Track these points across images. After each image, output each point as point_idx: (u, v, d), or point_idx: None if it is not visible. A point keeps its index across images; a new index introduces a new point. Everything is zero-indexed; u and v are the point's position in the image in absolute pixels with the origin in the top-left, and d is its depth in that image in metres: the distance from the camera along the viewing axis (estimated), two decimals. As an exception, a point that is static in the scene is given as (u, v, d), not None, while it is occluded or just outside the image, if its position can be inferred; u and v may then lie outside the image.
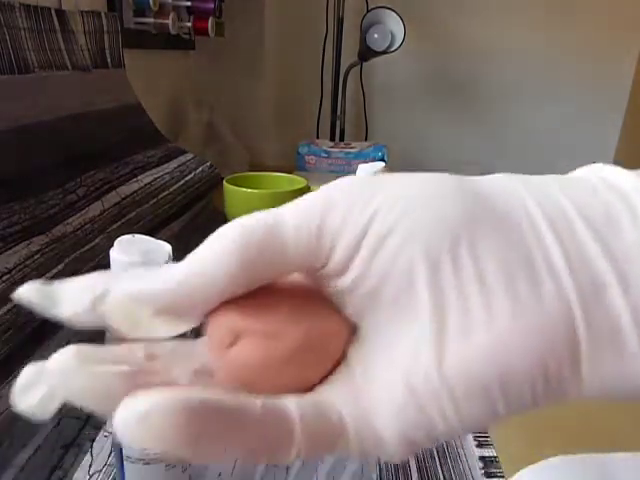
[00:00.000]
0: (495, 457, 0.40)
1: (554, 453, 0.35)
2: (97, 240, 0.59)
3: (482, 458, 0.40)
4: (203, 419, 0.14)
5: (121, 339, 0.16)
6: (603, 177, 0.18)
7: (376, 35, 1.28)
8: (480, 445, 0.41)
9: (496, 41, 1.49)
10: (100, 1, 0.87)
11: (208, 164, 0.97)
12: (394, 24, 1.27)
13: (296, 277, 0.17)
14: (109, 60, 0.84)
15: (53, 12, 0.69)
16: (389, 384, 0.15)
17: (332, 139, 1.45)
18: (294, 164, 1.31)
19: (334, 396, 0.16)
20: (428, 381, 0.14)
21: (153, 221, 0.73)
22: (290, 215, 0.16)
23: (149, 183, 0.77)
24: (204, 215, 0.90)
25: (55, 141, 0.64)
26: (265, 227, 0.16)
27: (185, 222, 0.83)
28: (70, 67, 0.72)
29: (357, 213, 0.15)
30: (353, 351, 0.16)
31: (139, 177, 0.76)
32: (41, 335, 0.47)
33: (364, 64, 1.46)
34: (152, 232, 0.71)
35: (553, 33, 1.48)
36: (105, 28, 0.82)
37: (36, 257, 0.49)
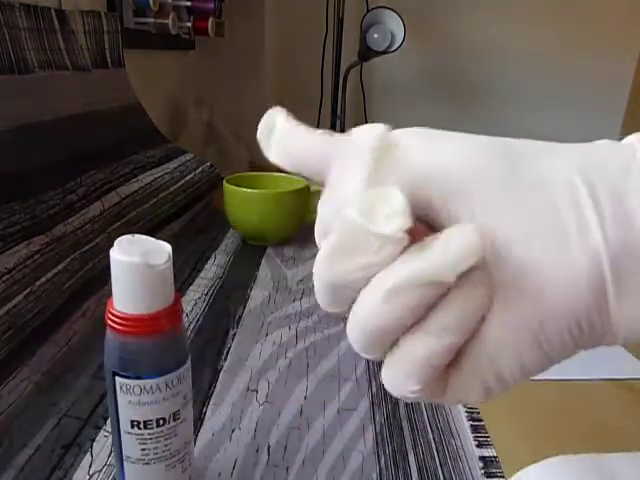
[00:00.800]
0: (495, 457, 0.40)
1: (554, 453, 0.35)
2: (97, 240, 0.59)
3: (482, 458, 0.40)
4: None
5: None
6: None
7: (376, 35, 1.28)
8: (480, 445, 0.41)
9: (496, 41, 1.49)
10: (100, 1, 0.87)
11: (208, 164, 0.97)
12: (394, 24, 1.27)
13: None
14: (109, 60, 0.84)
15: (53, 12, 0.69)
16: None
17: (332, 139, 1.44)
18: (294, 164, 1.31)
19: None
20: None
21: (153, 221, 0.73)
22: None
23: (149, 183, 0.77)
24: (204, 215, 0.90)
25: (55, 141, 0.64)
26: None
27: (185, 222, 0.83)
28: (70, 67, 0.72)
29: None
30: None
31: (139, 177, 0.76)
32: (41, 335, 0.47)
33: (364, 64, 1.46)
34: (152, 232, 0.71)
35: (553, 33, 1.48)
36: (105, 28, 0.82)
37: (36, 257, 0.49)
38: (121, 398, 0.29)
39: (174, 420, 0.30)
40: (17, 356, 0.44)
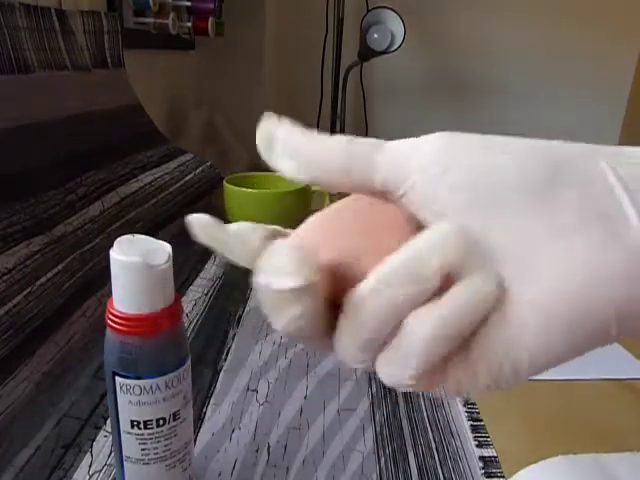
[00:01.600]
0: (495, 457, 0.40)
1: (554, 453, 0.35)
2: (97, 240, 0.59)
3: (482, 458, 0.40)
4: None
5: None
6: None
7: (376, 35, 1.28)
8: (480, 445, 0.41)
9: (496, 41, 1.50)
10: (100, 1, 0.87)
11: (208, 164, 0.97)
12: (394, 24, 1.27)
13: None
14: (109, 60, 0.84)
15: (53, 12, 0.69)
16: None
17: (332, 139, 1.44)
18: (294, 164, 1.31)
19: None
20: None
21: (153, 221, 0.73)
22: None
23: (149, 183, 0.77)
24: (204, 215, 0.90)
25: (55, 141, 0.64)
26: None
27: (185, 222, 0.83)
28: (70, 67, 0.72)
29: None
30: None
31: (139, 177, 0.76)
32: (41, 335, 0.47)
33: (364, 64, 1.46)
34: (152, 232, 0.71)
35: (553, 33, 1.48)
36: (105, 28, 0.82)
37: (36, 257, 0.49)
38: (121, 398, 0.29)
39: (174, 420, 0.30)
40: (17, 356, 0.44)
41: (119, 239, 0.28)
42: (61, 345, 0.49)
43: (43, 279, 0.48)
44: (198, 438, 0.41)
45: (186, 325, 0.57)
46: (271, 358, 0.52)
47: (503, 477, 0.38)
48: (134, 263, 0.26)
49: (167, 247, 0.28)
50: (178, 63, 1.26)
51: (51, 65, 0.67)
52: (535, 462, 0.37)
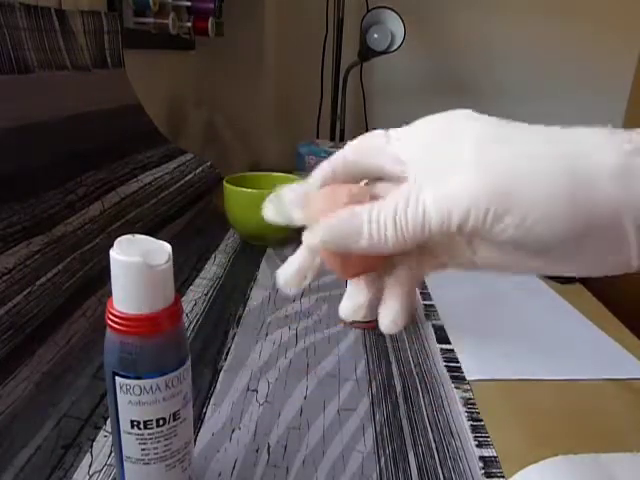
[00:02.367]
0: (495, 457, 0.40)
1: (554, 453, 0.35)
2: (97, 240, 0.59)
3: (482, 458, 0.40)
4: None
5: None
6: None
7: (376, 35, 1.28)
8: (480, 445, 0.41)
9: (496, 41, 1.49)
10: (100, 1, 0.87)
11: (208, 164, 0.97)
12: (394, 24, 1.27)
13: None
14: (109, 60, 0.84)
15: (53, 12, 0.69)
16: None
17: (332, 139, 1.44)
18: (294, 164, 1.31)
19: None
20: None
21: (153, 221, 0.73)
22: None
23: (149, 183, 0.77)
24: (204, 215, 0.90)
25: (55, 141, 0.64)
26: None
27: (185, 222, 0.83)
28: (70, 67, 0.72)
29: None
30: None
31: (139, 177, 0.76)
32: (41, 335, 0.47)
33: (364, 64, 1.45)
34: (152, 232, 0.71)
35: (553, 33, 1.48)
36: (105, 28, 0.82)
37: (36, 257, 0.49)
38: (121, 398, 0.29)
39: (174, 420, 0.30)
40: (17, 356, 0.44)
41: (119, 239, 0.28)
42: (61, 345, 0.49)
43: (43, 279, 0.48)
44: (198, 438, 0.41)
45: (186, 325, 0.57)
46: (271, 358, 0.52)
47: (503, 477, 0.38)
48: (134, 263, 0.26)
49: (167, 247, 0.28)
50: (178, 63, 1.26)
51: (51, 65, 0.67)
52: (535, 462, 0.37)
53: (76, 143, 0.68)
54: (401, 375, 0.50)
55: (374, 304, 0.28)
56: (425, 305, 0.65)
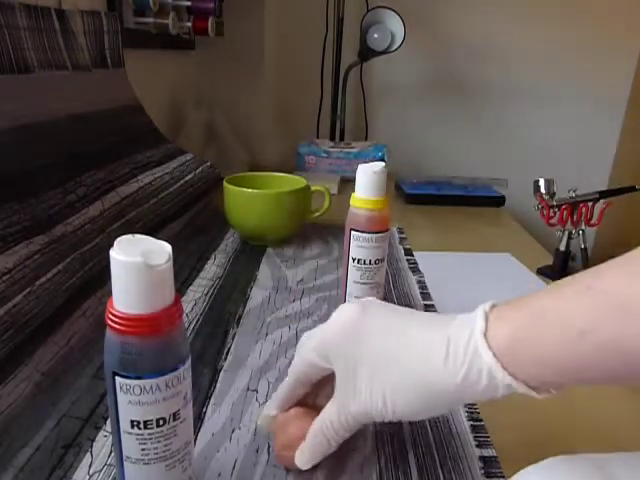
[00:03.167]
0: (495, 457, 0.40)
1: (554, 453, 0.35)
2: (97, 240, 0.59)
3: (482, 458, 0.40)
4: None
5: None
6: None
7: (376, 35, 1.28)
8: (480, 445, 0.41)
9: (496, 41, 1.50)
10: (100, 1, 0.87)
11: (208, 164, 0.97)
12: (394, 24, 1.27)
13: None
14: (109, 60, 0.84)
15: (53, 12, 0.69)
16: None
17: (332, 139, 1.45)
18: (294, 164, 1.31)
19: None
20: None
21: (153, 221, 0.73)
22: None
23: (149, 183, 0.77)
24: (204, 215, 0.90)
25: (55, 141, 0.64)
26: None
27: (185, 222, 0.83)
28: (70, 67, 0.72)
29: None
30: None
31: (139, 177, 0.76)
32: (41, 335, 0.47)
33: (364, 64, 1.46)
34: (152, 232, 0.71)
35: (553, 33, 1.48)
36: (105, 28, 0.82)
37: (36, 257, 0.49)
38: (121, 398, 0.29)
39: (174, 420, 0.30)
40: (17, 356, 0.44)
41: (119, 239, 0.28)
42: (61, 345, 0.49)
43: (43, 279, 0.48)
44: (198, 438, 0.41)
45: (186, 325, 0.57)
46: (271, 358, 0.52)
47: (503, 477, 0.38)
48: (134, 263, 0.26)
49: (167, 247, 0.28)
50: (178, 63, 1.26)
51: (51, 65, 0.67)
52: (535, 462, 0.37)
53: (76, 143, 0.68)
54: (401, 375, 0.50)
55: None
56: (425, 305, 0.65)
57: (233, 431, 0.42)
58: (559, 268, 0.77)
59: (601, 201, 0.76)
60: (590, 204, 0.75)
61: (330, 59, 1.44)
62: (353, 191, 0.56)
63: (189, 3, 1.08)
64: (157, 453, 0.30)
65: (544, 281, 0.76)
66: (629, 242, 0.36)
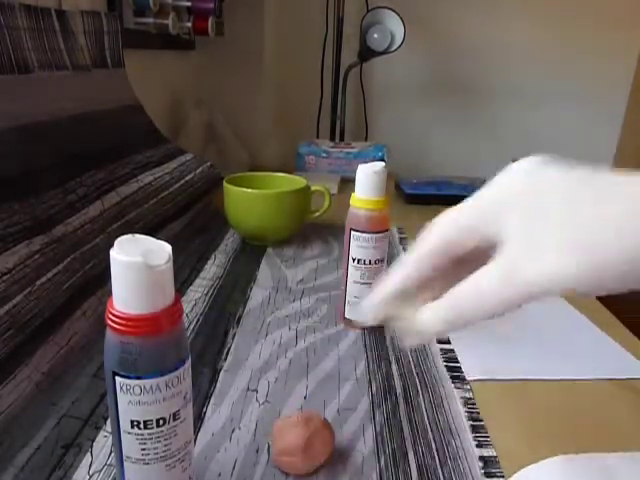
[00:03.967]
0: (495, 457, 0.40)
1: (554, 453, 0.35)
2: (97, 240, 0.59)
3: (482, 458, 0.40)
4: None
5: None
6: None
7: (376, 35, 1.28)
8: (480, 445, 0.41)
9: (496, 41, 1.50)
10: (100, 1, 0.87)
11: (208, 164, 0.97)
12: (394, 24, 1.27)
13: None
14: (109, 60, 0.84)
15: (53, 12, 0.69)
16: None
17: (332, 139, 1.44)
18: (294, 164, 1.31)
19: None
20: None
21: (153, 221, 0.73)
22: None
23: (149, 183, 0.77)
24: (204, 215, 0.90)
25: (55, 141, 0.64)
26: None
27: (185, 222, 0.83)
28: (70, 67, 0.72)
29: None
30: None
31: (139, 177, 0.76)
32: (41, 335, 0.47)
33: (364, 64, 1.46)
34: (152, 232, 0.71)
35: (553, 33, 1.48)
36: (105, 28, 0.82)
37: (36, 257, 0.49)
38: (121, 398, 0.29)
39: (174, 420, 0.30)
40: (17, 356, 0.44)
41: (119, 239, 0.28)
42: (61, 345, 0.49)
43: (43, 279, 0.48)
44: (198, 438, 0.41)
45: (186, 325, 0.57)
46: (271, 358, 0.52)
47: (503, 477, 0.38)
48: (134, 263, 0.26)
49: (167, 247, 0.28)
50: (178, 63, 1.26)
51: (51, 65, 0.67)
52: (535, 462, 0.37)
53: (76, 143, 0.68)
54: (401, 375, 0.50)
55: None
56: (425, 305, 0.65)
57: (233, 431, 0.42)
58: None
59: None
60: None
61: (330, 59, 1.44)
62: (353, 191, 0.56)
63: (189, 3, 1.08)
64: (157, 453, 0.30)
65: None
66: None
